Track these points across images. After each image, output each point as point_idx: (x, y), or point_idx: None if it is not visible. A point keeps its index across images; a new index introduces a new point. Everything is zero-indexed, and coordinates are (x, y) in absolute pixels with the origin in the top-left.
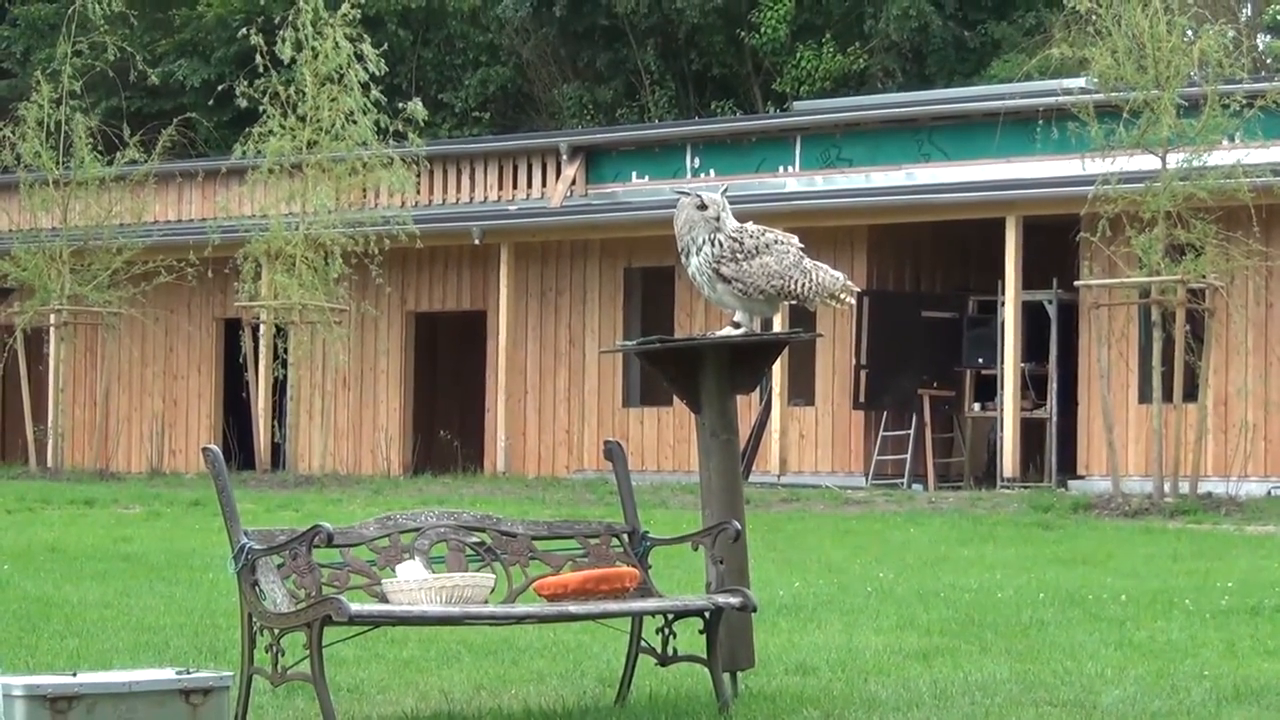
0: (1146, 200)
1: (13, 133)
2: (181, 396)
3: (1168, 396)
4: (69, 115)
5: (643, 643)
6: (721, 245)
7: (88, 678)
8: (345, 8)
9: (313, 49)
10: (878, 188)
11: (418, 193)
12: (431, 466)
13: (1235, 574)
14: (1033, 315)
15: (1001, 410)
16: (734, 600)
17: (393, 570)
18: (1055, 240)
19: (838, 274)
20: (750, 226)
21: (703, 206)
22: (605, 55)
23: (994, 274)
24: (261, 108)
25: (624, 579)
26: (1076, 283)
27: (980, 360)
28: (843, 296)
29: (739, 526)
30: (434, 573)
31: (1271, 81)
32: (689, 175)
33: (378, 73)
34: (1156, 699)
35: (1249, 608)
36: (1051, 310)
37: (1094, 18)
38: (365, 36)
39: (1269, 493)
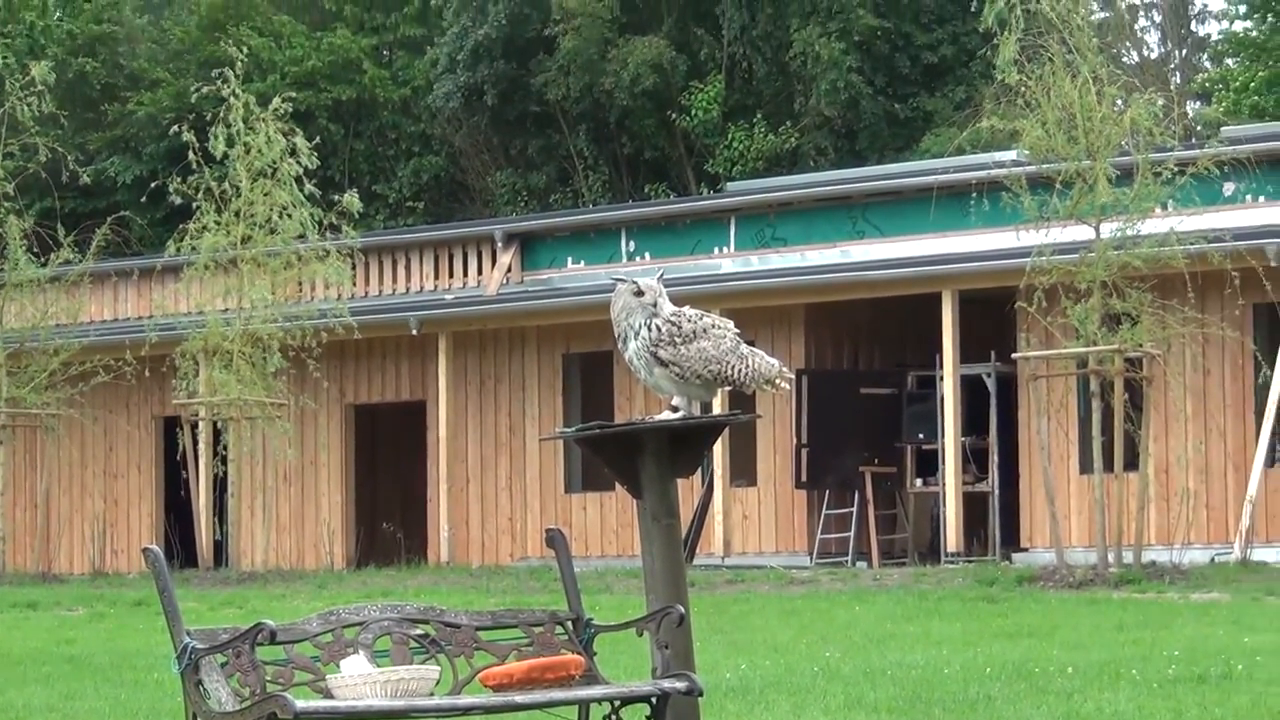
0: (1081, 270)
1: None
2: (122, 496)
3: (1108, 466)
4: (2, 218)
5: None
6: (659, 330)
7: None
8: (276, 102)
9: (245, 144)
10: (813, 266)
11: (354, 284)
12: (375, 559)
13: (1181, 642)
14: (972, 389)
15: (943, 485)
16: (680, 685)
17: (337, 665)
18: (992, 313)
19: (773, 360)
20: (688, 310)
21: (639, 293)
22: (537, 141)
23: (932, 348)
24: (195, 204)
25: (569, 667)
26: (1014, 355)
27: (921, 435)
28: (778, 382)
29: (683, 610)
30: (378, 666)
31: (1202, 148)
32: (624, 259)
33: (311, 166)
34: None
35: (1195, 676)
36: (990, 383)
37: (1024, 89)
38: (297, 130)
39: (1212, 559)
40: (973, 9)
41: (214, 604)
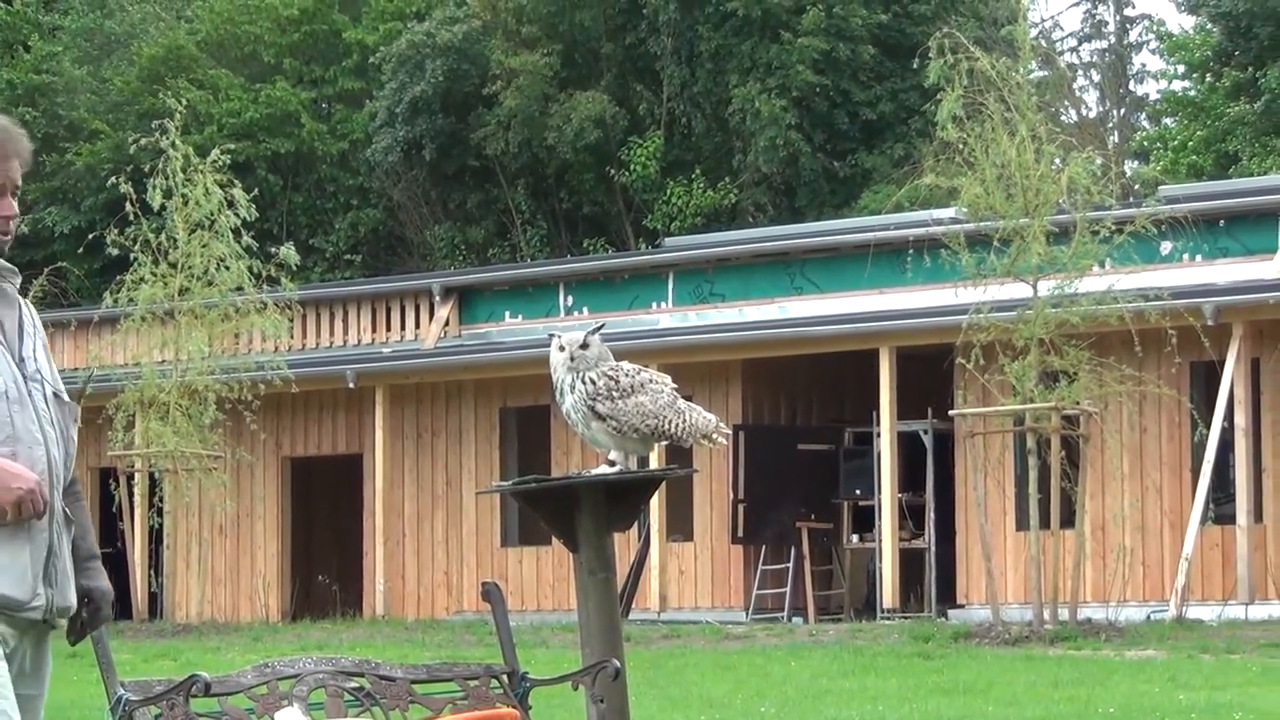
0: (1019, 328)
1: None
2: None
3: (1045, 523)
4: None
5: None
6: (595, 383)
7: None
8: (215, 153)
9: (183, 195)
10: (750, 322)
11: (291, 337)
12: (310, 611)
13: (1117, 699)
14: (909, 445)
15: (880, 541)
16: None
17: (271, 718)
18: (929, 369)
19: (710, 415)
20: (625, 365)
21: (561, 348)
22: (476, 196)
23: (869, 405)
24: (132, 255)
25: None
26: (951, 412)
27: (857, 491)
28: (715, 437)
29: (618, 665)
30: (312, 719)
31: (1140, 207)
32: (562, 314)
33: (249, 218)
34: None
35: None
36: (927, 440)
37: (963, 147)
38: (235, 182)
39: (1148, 617)
40: (914, 65)
41: (148, 655)
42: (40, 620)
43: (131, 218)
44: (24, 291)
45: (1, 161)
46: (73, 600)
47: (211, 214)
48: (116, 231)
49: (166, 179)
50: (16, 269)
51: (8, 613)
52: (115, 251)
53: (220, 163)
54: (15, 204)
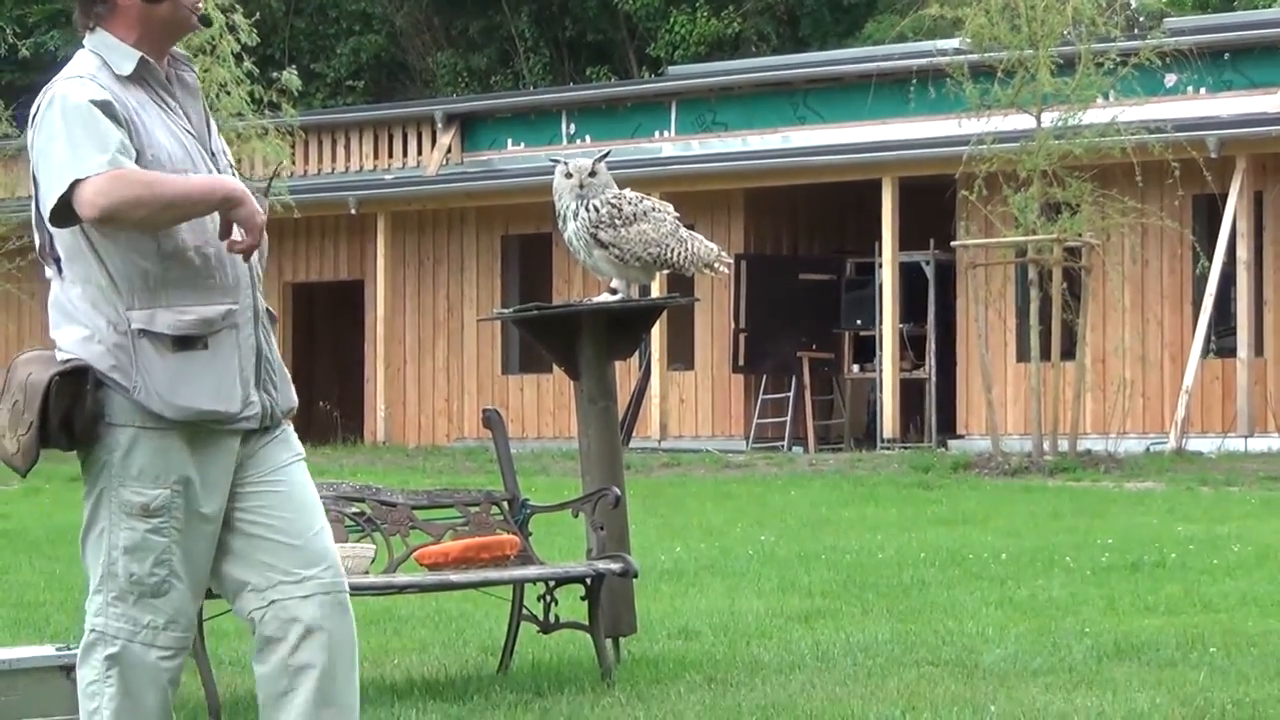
0: (1022, 159)
1: None
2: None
3: (1046, 355)
4: None
5: (525, 610)
6: (599, 210)
7: None
8: None
9: None
10: (753, 151)
11: (293, 163)
12: (311, 437)
13: (1115, 530)
14: (910, 276)
15: (880, 371)
16: (615, 566)
17: None
18: (932, 201)
19: (712, 244)
20: (628, 193)
21: (568, 175)
22: (479, 23)
23: (871, 236)
24: None
25: (505, 547)
26: (953, 243)
27: (859, 322)
28: (717, 266)
29: (619, 492)
30: None
31: (1145, 39)
32: (565, 142)
33: (250, 43)
34: (1038, 657)
35: (1129, 564)
36: (929, 271)
37: None
38: (237, 7)
39: (1147, 449)
40: None
41: None
42: (260, 428)
43: None
44: (25, 116)
45: None
46: (294, 399)
47: (213, 39)
48: None
49: None
50: (190, 56)
51: (216, 427)
52: None
53: None
54: None
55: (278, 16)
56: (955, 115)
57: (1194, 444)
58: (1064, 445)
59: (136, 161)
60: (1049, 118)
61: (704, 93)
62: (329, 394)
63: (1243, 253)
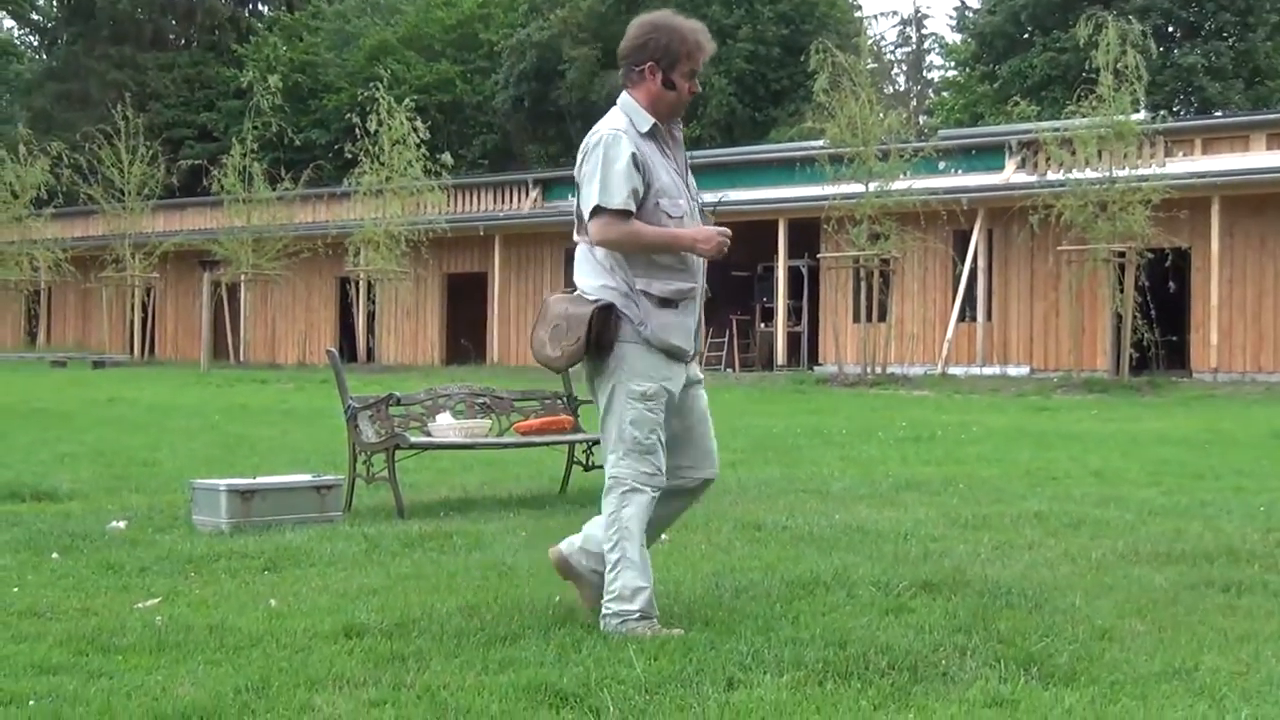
0: (858, 208)
1: (220, 175)
2: (315, 321)
3: (869, 319)
4: (251, 163)
5: (576, 459)
6: None
7: (263, 480)
8: (406, 102)
9: (387, 125)
10: (707, 202)
11: (447, 206)
12: (456, 360)
13: (907, 418)
14: (794, 273)
15: (776, 327)
16: None
17: (434, 418)
18: (808, 231)
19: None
20: None
21: None
22: (553, 129)
23: (772, 251)
24: (359, 156)
25: (564, 423)
26: (819, 255)
27: (765, 299)
28: None
29: None
30: (457, 420)
31: (927, 142)
32: None
33: (425, 137)
34: (863, 487)
35: (914, 437)
36: (805, 271)
37: (829, 105)
38: (417, 115)
39: (925, 373)
40: (803, 59)
41: (366, 382)
42: (687, 362)
43: (359, 136)
44: (296, 178)
45: (697, 53)
46: (701, 347)
47: (403, 135)
48: (350, 144)
49: (379, 115)
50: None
51: (678, 357)
52: (350, 155)
53: (408, 105)
54: (697, 85)
55: (440, 123)
56: (820, 184)
57: (952, 370)
58: (878, 370)
59: (645, 190)
60: (873, 185)
61: None
62: (468, 336)
63: (981, 263)
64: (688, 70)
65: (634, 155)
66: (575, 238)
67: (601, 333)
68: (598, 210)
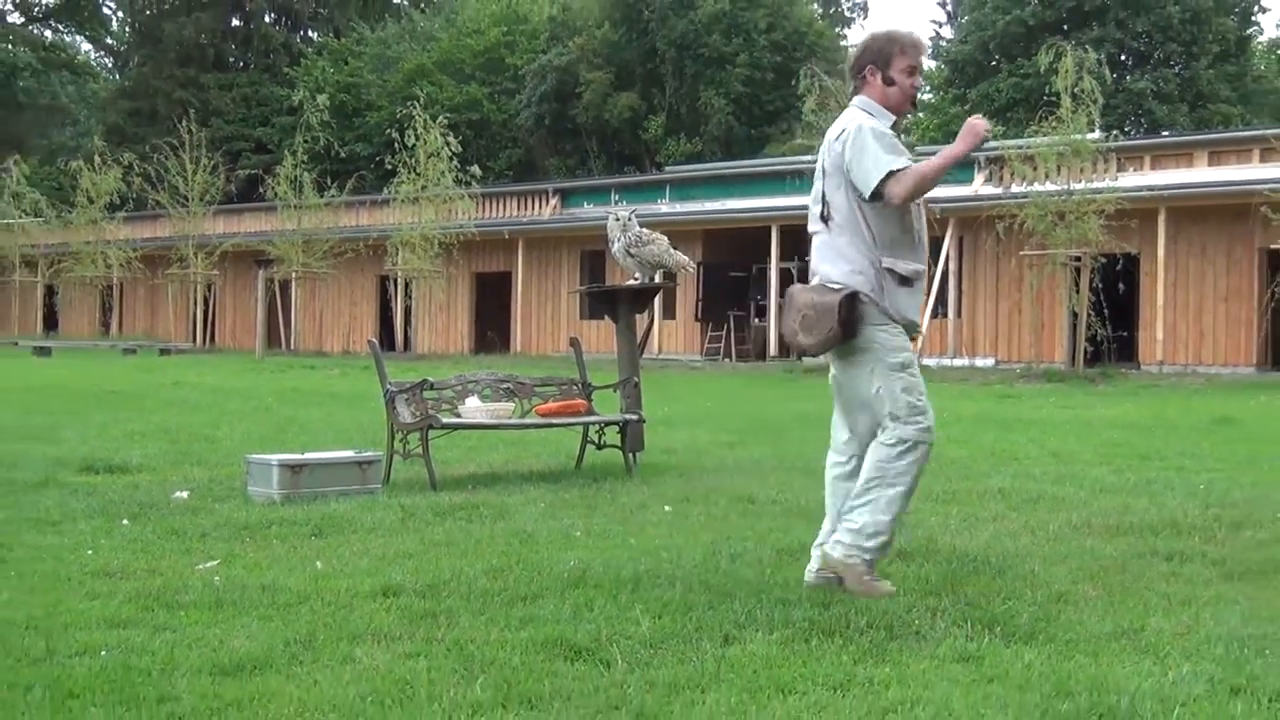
0: None
1: (273, 183)
2: (359, 314)
3: None
4: (301, 173)
5: (590, 439)
6: (630, 239)
7: (310, 455)
8: (440, 118)
9: (423, 140)
10: (708, 210)
11: (477, 212)
12: (484, 349)
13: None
14: (786, 275)
15: (769, 322)
16: (634, 417)
17: (463, 401)
18: (798, 236)
19: (685, 257)
20: (645, 231)
21: (617, 219)
22: (571, 143)
23: (765, 253)
24: (398, 167)
25: (580, 406)
26: (807, 259)
27: (759, 297)
28: (688, 268)
29: (637, 380)
30: (484, 403)
31: None
32: (612, 204)
33: (457, 151)
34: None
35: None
36: (795, 272)
37: (818, 124)
38: (449, 132)
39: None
40: (794, 82)
41: (402, 369)
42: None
43: (397, 149)
44: (341, 186)
45: (910, 49)
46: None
47: (437, 149)
48: (391, 156)
49: (415, 131)
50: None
51: (911, 331)
52: (390, 166)
53: (442, 122)
54: (919, 80)
55: (470, 137)
56: (808, 194)
57: (925, 361)
58: None
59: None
60: None
61: (683, 180)
62: (494, 328)
63: (953, 265)
64: (905, 66)
65: (891, 133)
66: (811, 229)
67: (849, 318)
68: (888, 177)
